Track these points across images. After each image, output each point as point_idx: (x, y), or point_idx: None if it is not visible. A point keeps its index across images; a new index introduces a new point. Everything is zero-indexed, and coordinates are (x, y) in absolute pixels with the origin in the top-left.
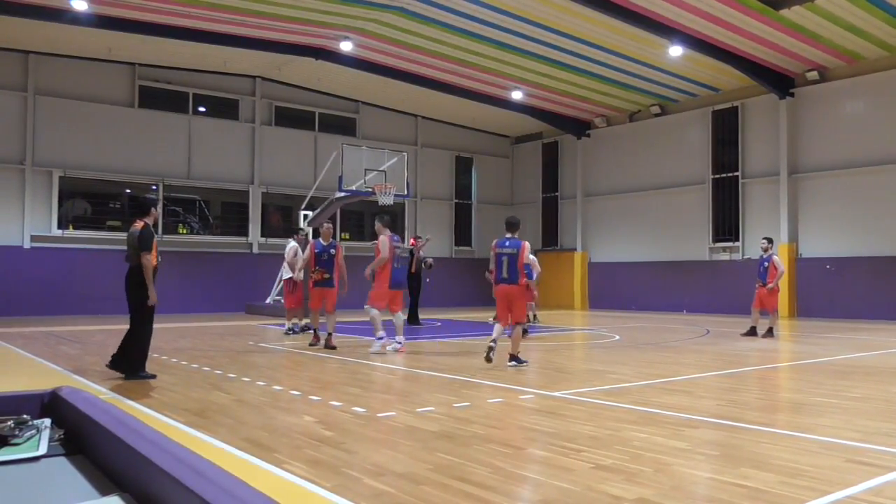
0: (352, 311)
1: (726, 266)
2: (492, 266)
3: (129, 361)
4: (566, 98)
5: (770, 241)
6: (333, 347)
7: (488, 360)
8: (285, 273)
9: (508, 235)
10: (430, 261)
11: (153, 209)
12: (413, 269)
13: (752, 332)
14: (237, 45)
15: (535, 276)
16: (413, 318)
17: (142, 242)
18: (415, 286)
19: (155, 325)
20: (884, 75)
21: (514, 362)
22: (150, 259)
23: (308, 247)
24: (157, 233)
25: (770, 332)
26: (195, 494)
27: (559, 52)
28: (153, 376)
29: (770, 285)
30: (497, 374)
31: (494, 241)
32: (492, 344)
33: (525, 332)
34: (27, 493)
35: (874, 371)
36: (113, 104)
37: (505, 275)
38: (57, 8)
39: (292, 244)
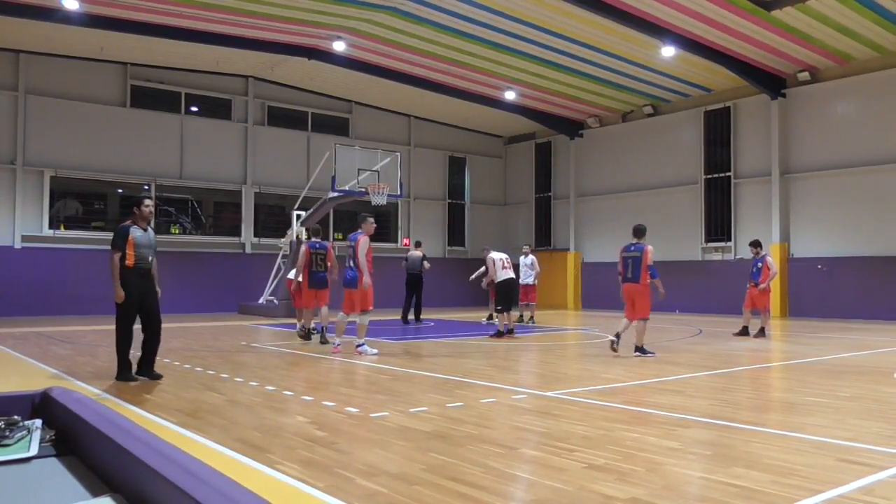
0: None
1: (718, 266)
2: (620, 268)
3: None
4: (559, 98)
5: (757, 245)
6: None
7: (614, 349)
8: (293, 274)
9: (634, 241)
10: (426, 264)
11: (137, 207)
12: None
13: (743, 332)
14: (230, 44)
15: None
16: (416, 317)
17: (113, 239)
18: (417, 287)
19: None
20: (875, 76)
21: (638, 353)
22: (115, 257)
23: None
24: (153, 231)
25: (762, 332)
26: (187, 495)
27: (552, 52)
28: (133, 379)
29: (762, 286)
30: (490, 374)
31: (622, 246)
32: (615, 338)
33: (511, 331)
34: (18, 494)
35: (865, 371)
36: (105, 104)
37: (629, 275)
38: (48, 7)
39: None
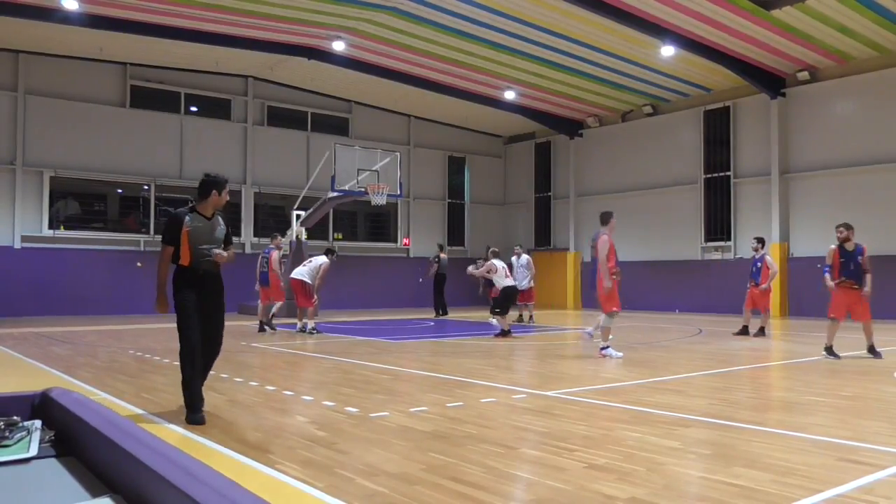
0: (348, 312)
1: (718, 265)
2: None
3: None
4: (559, 98)
5: (761, 241)
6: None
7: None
8: (304, 275)
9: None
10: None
11: (210, 193)
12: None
13: (743, 331)
14: (229, 44)
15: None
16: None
17: (163, 230)
18: (437, 287)
19: (147, 326)
20: (874, 75)
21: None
22: (164, 254)
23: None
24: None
25: (762, 332)
26: (187, 496)
27: (552, 52)
28: (198, 420)
29: (763, 286)
30: (490, 374)
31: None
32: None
33: (508, 332)
34: (18, 495)
35: (865, 370)
36: (104, 104)
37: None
38: (48, 7)
39: (322, 260)
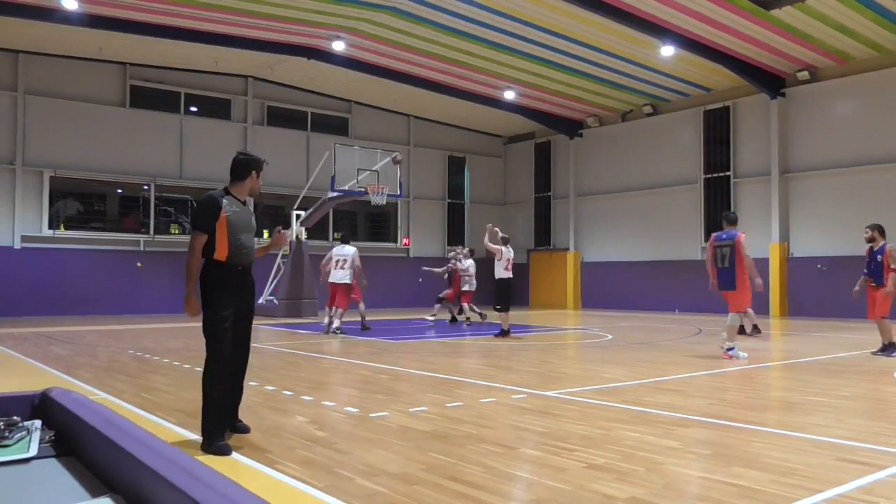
0: (348, 312)
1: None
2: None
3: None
4: (559, 98)
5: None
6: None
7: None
8: (345, 278)
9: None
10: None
11: (251, 173)
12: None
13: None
14: (229, 44)
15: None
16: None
17: (194, 216)
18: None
19: (147, 326)
20: (874, 75)
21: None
22: (196, 243)
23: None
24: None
25: (756, 330)
26: (187, 496)
27: (551, 51)
28: (227, 450)
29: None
30: (490, 374)
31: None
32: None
33: (507, 332)
34: (18, 495)
35: (865, 370)
36: (104, 104)
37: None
38: (47, 7)
39: (353, 250)
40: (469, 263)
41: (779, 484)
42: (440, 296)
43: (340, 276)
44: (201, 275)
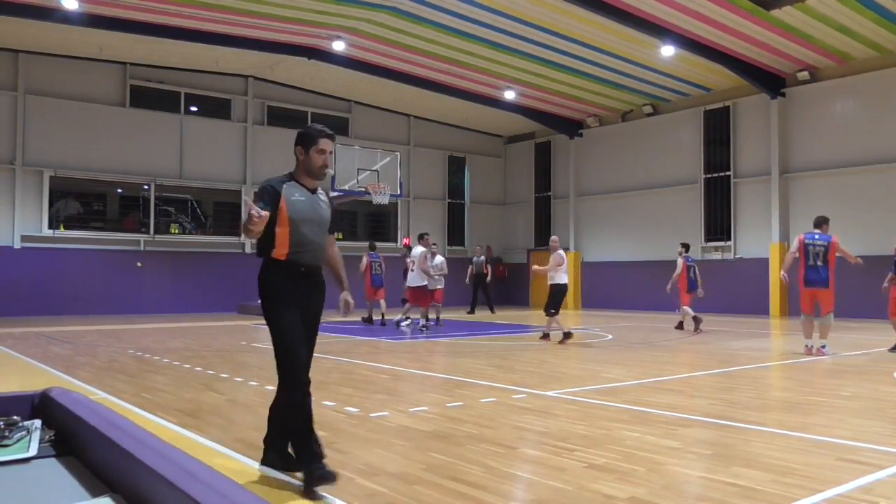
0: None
1: (718, 265)
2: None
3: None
4: (559, 98)
5: (685, 246)
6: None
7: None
8: (421, 279)
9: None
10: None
11: (307, 146)
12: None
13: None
14: (229, 44)
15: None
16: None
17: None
18: (482, 285)
19: (147, 326)
20: (874, 75)
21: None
22: (251, 225)
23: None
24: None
25: (681, 326)
26: (187, 495)
27: (552, 51)
28: (327, 477)
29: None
30: (490, 374)
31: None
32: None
33: (570, 334)
34: (18, 495)
35: (865, 370)
36: (104, 104)
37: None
38: (47, 7)
39: (421, 249)
40: (440, 260)
41: (779, 484)
42: (403, 297)
43: (413, 279)
44: (260, 275)
